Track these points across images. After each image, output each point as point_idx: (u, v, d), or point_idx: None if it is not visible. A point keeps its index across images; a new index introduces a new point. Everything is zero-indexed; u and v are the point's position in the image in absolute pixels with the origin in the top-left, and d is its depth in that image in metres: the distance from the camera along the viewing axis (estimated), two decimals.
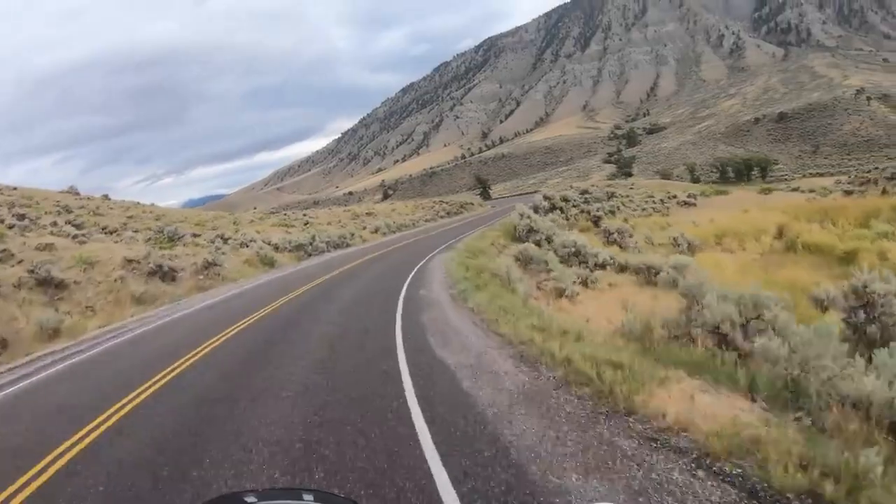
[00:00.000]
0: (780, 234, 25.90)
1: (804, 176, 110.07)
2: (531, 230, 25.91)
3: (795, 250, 22.98)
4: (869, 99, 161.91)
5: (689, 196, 57.23)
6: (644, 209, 49.18)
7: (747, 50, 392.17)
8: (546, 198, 42.60)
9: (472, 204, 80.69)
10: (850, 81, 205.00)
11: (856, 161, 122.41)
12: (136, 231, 34.74)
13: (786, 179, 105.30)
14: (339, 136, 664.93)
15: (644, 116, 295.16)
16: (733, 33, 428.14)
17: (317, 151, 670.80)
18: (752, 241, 26.00)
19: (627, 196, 57.86)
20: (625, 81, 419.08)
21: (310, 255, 31.45)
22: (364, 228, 45.61)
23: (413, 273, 18.45)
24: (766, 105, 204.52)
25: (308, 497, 1.19)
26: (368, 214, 59.23)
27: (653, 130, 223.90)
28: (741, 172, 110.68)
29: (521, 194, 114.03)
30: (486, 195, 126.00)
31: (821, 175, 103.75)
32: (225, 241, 31.54)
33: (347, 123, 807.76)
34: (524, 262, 18.99)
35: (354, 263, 24.45)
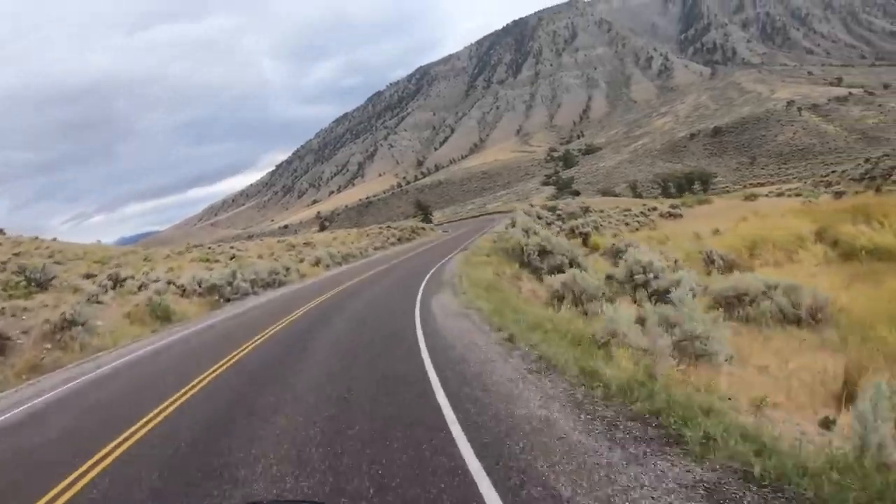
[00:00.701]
0: (820, 238, 20.54)
1: (745, 186, 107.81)
2: (544, 251, 20.02)
3: (858, 257, 17.85)
4: (800, 110, 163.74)
5: (672, 207, 52.66)
6: (628, 223, 44.57)
7: (675, 70, 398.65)
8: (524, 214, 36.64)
9: (424, 228, 73.35)
10: (779, 94, 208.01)
11: (793, 169, 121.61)
12: None
13: (728, 191, 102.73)
14: (273, 168, 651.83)
15: (578, 138, 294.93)
16: (661, 55, 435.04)
17: (251, 185, 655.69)
18: (797, 250, 20.95)
19: (602, 211, 52.83)
20: (557, 105, 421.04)
21: (229, 299, 22.17)
22: (302, 261, 34.65)
23: (425, 350, 9.07)
24: (699, 121, 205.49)
25: None
26: (307, 244, 50.04)
27: (589, 151, 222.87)
28: (682, 187, 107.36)
29: (463, 219, 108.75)
30: (427, 220, 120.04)
31: (761, 184, 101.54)
32: (117, 283, 23.62)
33: (281, 156, 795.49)
34: (576, 298, 12.39)
35: (289, 319, 14.53)
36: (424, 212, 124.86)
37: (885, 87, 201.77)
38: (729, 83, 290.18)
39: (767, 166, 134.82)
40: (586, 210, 50.34)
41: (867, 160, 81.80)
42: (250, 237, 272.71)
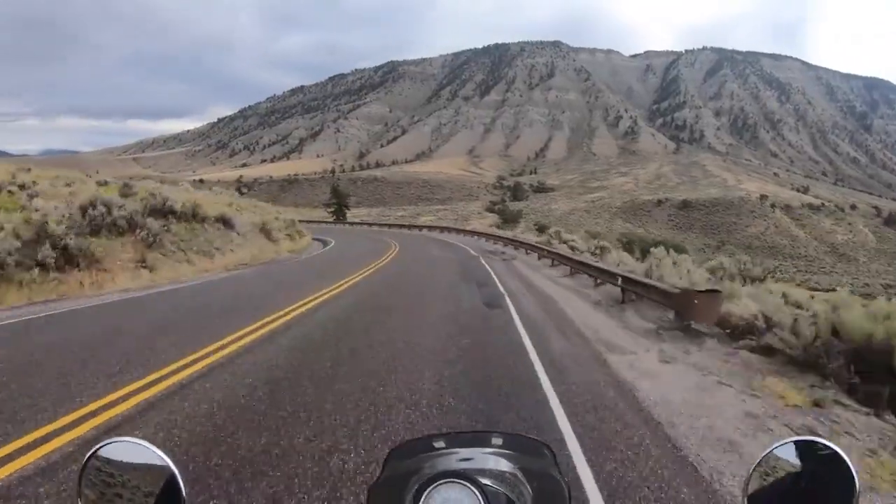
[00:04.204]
0: None
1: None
2: None
3: None
4: (773, 206, 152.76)
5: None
6: None
7: (641, 135, 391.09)
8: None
9: (292, 235, 41.59)
10: (746, 186, 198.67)
11: (760, 266, 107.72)
12: None
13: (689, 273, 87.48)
14: (215, 121, 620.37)
15: (531, 174, 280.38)
16: (631, 117, 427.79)
17: (187, 131, 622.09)
18: None
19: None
20: (516, 136, 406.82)
21: None
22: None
23: None
24: (660, 190, 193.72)
25: (497, 441, 1.23)
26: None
27: (540, 189, 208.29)
28: (648, 252, 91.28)
29: (390, 225, 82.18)
30: (339, 215, 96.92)
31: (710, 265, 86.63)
32: None
33: (227, 111, 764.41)
34: None
35: None
36: (340, 202, 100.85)
37: (853, 207, 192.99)
38: (693, 162, 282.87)
39: (734, 255, 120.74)
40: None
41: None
42: (161, 182, 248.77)
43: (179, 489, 1.18)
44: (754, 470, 1.37)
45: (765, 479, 1.39)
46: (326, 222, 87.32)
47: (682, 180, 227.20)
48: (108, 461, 1.24)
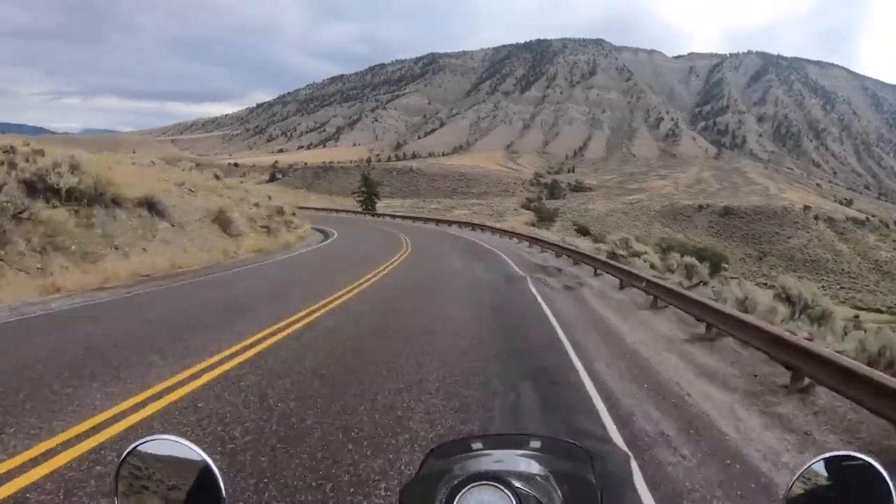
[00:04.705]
0: None
1: (757, 283, 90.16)
2: None
3: None
4: (817, 218, 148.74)
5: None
6: None
7: (682, 138, 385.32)
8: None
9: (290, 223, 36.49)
10: (788, 196, 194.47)
11: (804, 280, 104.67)
12: None
13: (733, 279, 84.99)
14: (254, 106, 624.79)
15: (569, 172, 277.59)
16: (672, 119, 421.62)
17: (226, 115, 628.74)
18: None
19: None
20: (555, 133, 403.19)
21: None
22: None
23: None
24: (700, 195, 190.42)
25: (535, 444, 1.24)
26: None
27: (577, 188, 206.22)
28: (718, 268, 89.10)
29: (415, 218, 68.77)
30: (369, 204, 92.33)
31: (771, 287, 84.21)
32: None
33: (266, 97, 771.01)
34: None
35: None
36: (370, 191, 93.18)
37: None
38: (734, 168, 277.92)
39: (776, 267, 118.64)
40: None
41: None
42: (198, 165, 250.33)
43: (218, 485, 1.18)
44: (794, 482, 1.41)
45: (803, 490, 1.39)
46: (353, 212, 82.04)
47: (722, 186, 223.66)
48: (145, 458, 1.24)
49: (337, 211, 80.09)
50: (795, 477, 1.38)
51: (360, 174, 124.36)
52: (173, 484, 1.21)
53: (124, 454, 1.26)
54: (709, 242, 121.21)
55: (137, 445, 1.26)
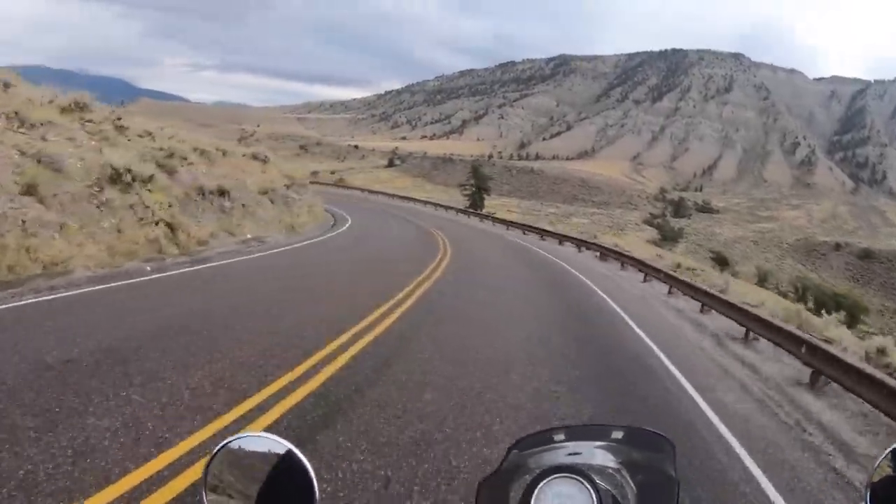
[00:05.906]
0: None
1: None
2: None
3: None
4: None
5: None
6: None
7: (818, 168, 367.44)
8: None
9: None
10: None
11: None
12: None
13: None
14: (383, 93, 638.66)
15: (696, 191, 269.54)
16: (809, 146, 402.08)
17: (354, 99, 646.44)
18: None
19: None
20: (685, 149, 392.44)
21: None
22: None
23: None
24: (836, 232, 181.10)
25: (617, 434, 1.30)
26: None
27: (704, 209, 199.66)
28: (824, 307, 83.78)
29: (509, 223, 51.57)
30: (476, 200, 76.58)
31: None
32: None
33: (396, 85, 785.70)
34: None
35: None
36: (478, 185, 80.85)
37: None
38: (871, 206, 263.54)
39: None
40: None
41: None
42: (317, 143, 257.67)
43: (309, 476, 1.18)
44: (878, 465, 1.44)
45: (886, 474, 1.43)
46: (454, 209, 62.95)
47: (859, 224, 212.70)
48: (236, 455, 1.26)
49: (435, 206, 64.42)
50: (878, 462, 1.42)
51: (489, 172, 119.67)
52: (262, 478, 1.22)
53: (214, 451, 1.28)
54: (844, 287, 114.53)
55: (228, 443, 1.28)
